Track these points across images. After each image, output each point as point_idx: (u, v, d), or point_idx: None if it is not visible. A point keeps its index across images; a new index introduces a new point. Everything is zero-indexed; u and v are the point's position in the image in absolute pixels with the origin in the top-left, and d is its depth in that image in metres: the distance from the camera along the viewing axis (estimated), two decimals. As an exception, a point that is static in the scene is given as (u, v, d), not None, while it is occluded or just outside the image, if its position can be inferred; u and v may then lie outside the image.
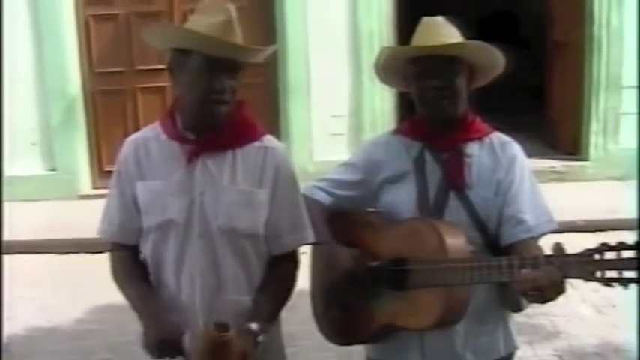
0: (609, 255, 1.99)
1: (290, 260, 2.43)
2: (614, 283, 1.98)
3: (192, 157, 2.31)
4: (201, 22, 2.23)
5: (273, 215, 2.35)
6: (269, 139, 2.42)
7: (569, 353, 4.70)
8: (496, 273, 2.18)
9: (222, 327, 2.08)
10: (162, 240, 2.34)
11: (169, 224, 2.32)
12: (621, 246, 1.98)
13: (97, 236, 2.52)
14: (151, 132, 2.43)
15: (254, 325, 2.22)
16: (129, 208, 2.39)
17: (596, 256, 2.00)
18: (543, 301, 2.18)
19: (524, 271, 2.12)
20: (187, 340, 2.24)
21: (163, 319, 2.27)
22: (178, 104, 2.38)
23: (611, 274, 1.98)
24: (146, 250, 2.40)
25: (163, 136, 2.38)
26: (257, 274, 2.38)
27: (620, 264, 1.97)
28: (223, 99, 2.26)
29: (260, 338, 2.22)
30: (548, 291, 2.09)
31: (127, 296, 2.39)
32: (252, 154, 2.36)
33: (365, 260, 2.45)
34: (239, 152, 2.35)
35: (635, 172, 6.55)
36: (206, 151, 2.32)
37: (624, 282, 1.97)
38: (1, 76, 7.25)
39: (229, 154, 2.34)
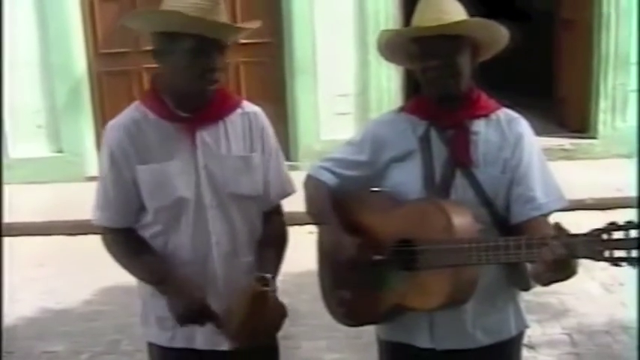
0: (617, 234, 1.95)
1: (278, 213, 2.62)
2: (623, 263, 1.94)
3: (194, 134, 2.37)
4: (184, 3, 2.23)
5: (264, 174, 2.49)
6: (248, 105, 2.53)
7: (578, 332, 4.69)
8: (504, 253, 2.15)
9: (263, 280, 2.30)
10: (175, 219, 2.39)
11: (181, 202, 2.37)
12: (630, 225, 1.93)
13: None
14: (136, 113, 2.42)
15: (268, 277, 2.35)
16: (128, 191, 2.40)
17: (605, 236, 1.96)
18: (556, 281, 2.16)
19: (536, 252, 2.08)
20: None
21: (188, 287, 2.36)
22: (163, 85, 2.41)
23: (619, 253, 1.94)
24: (152, 232, 2.43)
25: (152, 117, 2.39)
26: (258, 233, 2.52)
27: (628, 243, 1.93)
28: (215, 77, 2.33)
29: (274, 289, 2.38)
30: (558, 270, 2.07)
31: (137, 272, 2.45)
32: (238, 121, 2.48)
33: (369, 252, 2.43)
34: (227, 120, 2.45)
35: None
36: (201, 125, 2.39)
37: (633, 261, 1.93)
38: (1, 60, 7.23)
39: (220, 124, 2.43)
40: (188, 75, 2.29)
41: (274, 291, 2.39)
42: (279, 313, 2.42)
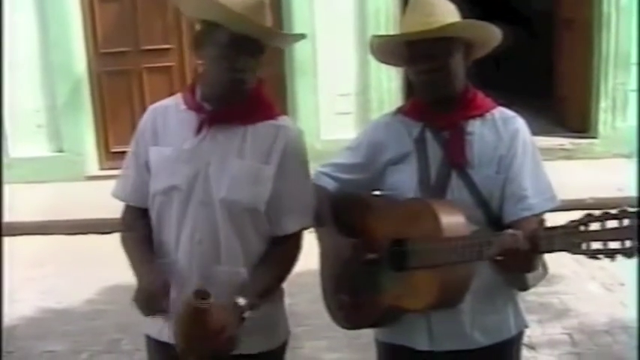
0: (595, 226, 1.92)
1: (291, 243, 2.42)
2: (600, 255, 1.91)
3: (202, 126, 2.34)
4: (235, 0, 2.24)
5: (277, 193, 2.35)
6: (284, 119, 2.43)
7: (579, 331, 4.69)
8: (486, 250, 2.14)
9: (203, 295, 2.08)
10: (166, 205, 2.38)
11: (173, 190, 2.35)
12: (606, 216, 1.90)
13: (105, 217, 2.55)
14: (173, 101, 2.47)
15: (241, 300, 2.21)
16: (142, 171, 2.44)
17: (582, 228, 1.94)
18: (511, 270, 2.20)
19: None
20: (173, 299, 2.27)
21: (154, 274, 2.30)
22: (201, 76, 2.41)
23: (597, 245, 1.91)
24: (152, 214, 2.44)
25: (183, 106, 2.42)
26: (255, 249, 2.38)
27: (606, 234, 1.90)
28: (243, 78, 2.28)
29: (246, 314, 2.22)
30: (515, 259, 2.07)
31: (128, 252, 2.44)
32: (264, 131, 2.36)
33: (364, 251, 2.43)
34: (251, 128, 2.36)
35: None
36: (218, 122, 2.34)
37: (609, 253, 1.90)
38: (1, 59, 7.23)
39: (241, 128, 2.35)
40: (217, 68, 2.28)
41: (243, 309, 2.19)
42: (224, 336, 2.13)
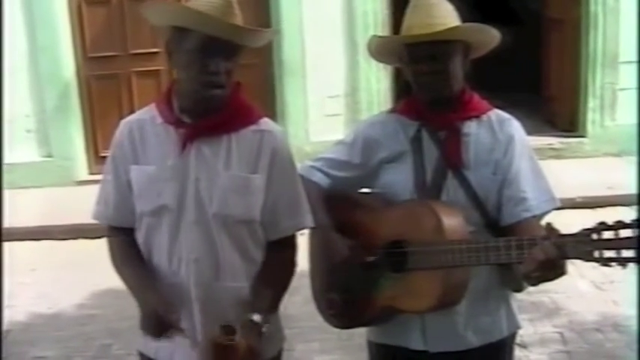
0: (607, 234, 1.96)
1: (288, 246, 2.40)
2: (613, 263, 1.95)
3: (186, 142, 2.27)
4: (201, 2, 2.19)
5: (270, 200, 2.31)
6: (266, 123, 2.37)
7: (569, 329, 4.72)
8: (494, 254, 2.17)
9: (229, 330, 2.07)
10: (156, 225, 2.32)
11: (162, 210, 2.29)
12: (619, 225, 1.94)
13: (95, 222, 2.51)
14: (147, 114, 2.38)
15: (257, 317, 2.20)
16: (123, 191, 2.36)
17: (594, 236, 1.97)
18: (544, 281, 2.17)
19: (526, 253, 2.10)
20: (182, 320, 2.23)
21: (157, 296, 2.24)
22: (175, 87, 2.34)
23: (609, 253, 1.95)
24: (140, 235, 2.37)
25: (159, 120, 2.33)
26: (255, 260, 2.35)
27: (618, 243, 1.94)
28: (218, 81, 2.21)
29: (264, 329, 2.21)
30: (548, 270, 2.07)
31: (124, 279, 2.37)
32: (248, 138, 2.30)
33: (361, 253, 2.43)
34: (234, 136, 2.30)
35: (634, 148, 6.56)
36: (201, 135, 2.28)
37: (622, 262, 1.94)
38: (1, 63, 7.20)
39: (224, 138, 2.29)
40: (190, 74, 2.21)
41: (261, 325, 2.19)
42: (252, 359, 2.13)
